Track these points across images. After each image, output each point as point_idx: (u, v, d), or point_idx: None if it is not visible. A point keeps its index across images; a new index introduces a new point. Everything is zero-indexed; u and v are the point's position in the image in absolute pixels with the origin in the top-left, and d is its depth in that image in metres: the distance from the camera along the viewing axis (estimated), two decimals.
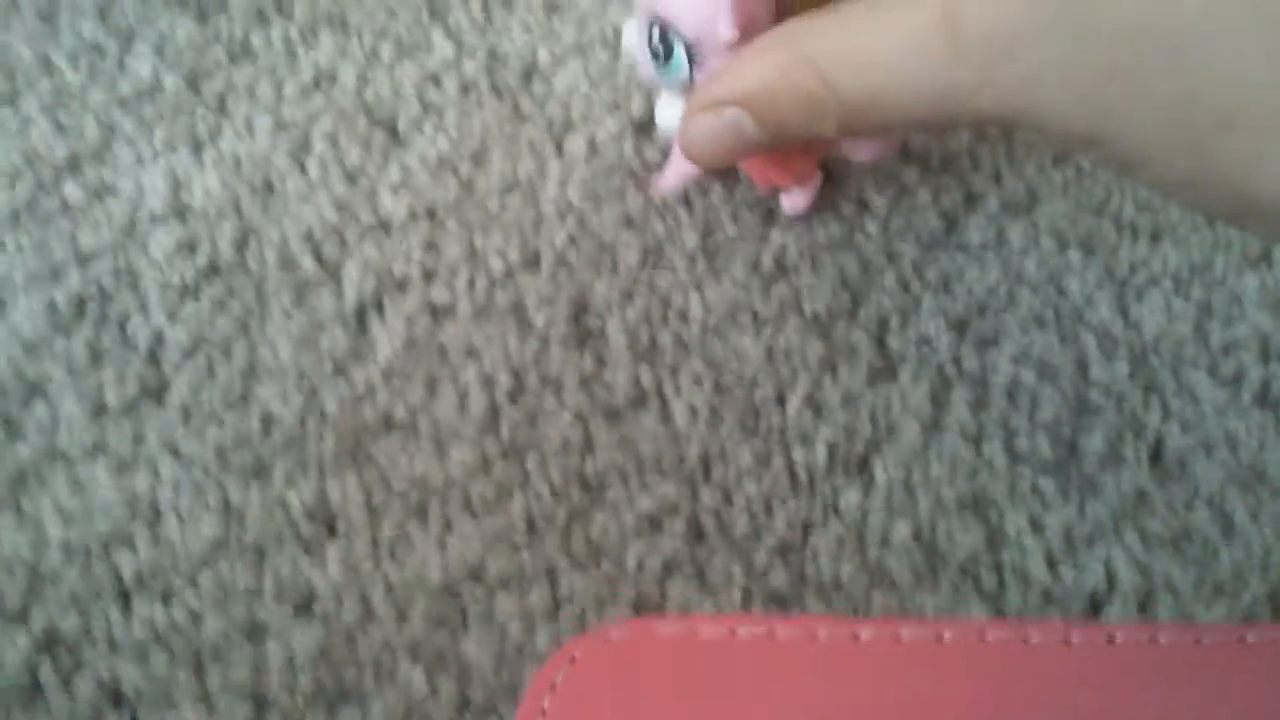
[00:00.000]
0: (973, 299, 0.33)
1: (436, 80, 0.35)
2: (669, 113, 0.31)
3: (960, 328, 0.32)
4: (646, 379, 0.31)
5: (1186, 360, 0.32)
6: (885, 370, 0.32)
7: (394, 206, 0.32)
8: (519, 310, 0.31)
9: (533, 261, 0.32)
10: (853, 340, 0.32)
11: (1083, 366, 0.32)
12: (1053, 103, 0.21)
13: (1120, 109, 0.20)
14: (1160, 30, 0.19)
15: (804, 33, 0.24)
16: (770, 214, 0.34)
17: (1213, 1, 0.18)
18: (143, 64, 0.35)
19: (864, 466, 0.30)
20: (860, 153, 0.31)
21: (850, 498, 0.29)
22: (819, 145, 0.31)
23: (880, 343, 0.32)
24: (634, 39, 0.29)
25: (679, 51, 0.27)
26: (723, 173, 0.34)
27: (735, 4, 0.25)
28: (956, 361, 0.32)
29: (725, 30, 0.25)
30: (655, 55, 0.28)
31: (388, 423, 0.30)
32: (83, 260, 0.31)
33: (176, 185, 0.32)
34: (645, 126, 0.35)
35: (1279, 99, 0.18)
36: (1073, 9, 0.20)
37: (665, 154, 0.34)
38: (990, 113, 0.22)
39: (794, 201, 0.33)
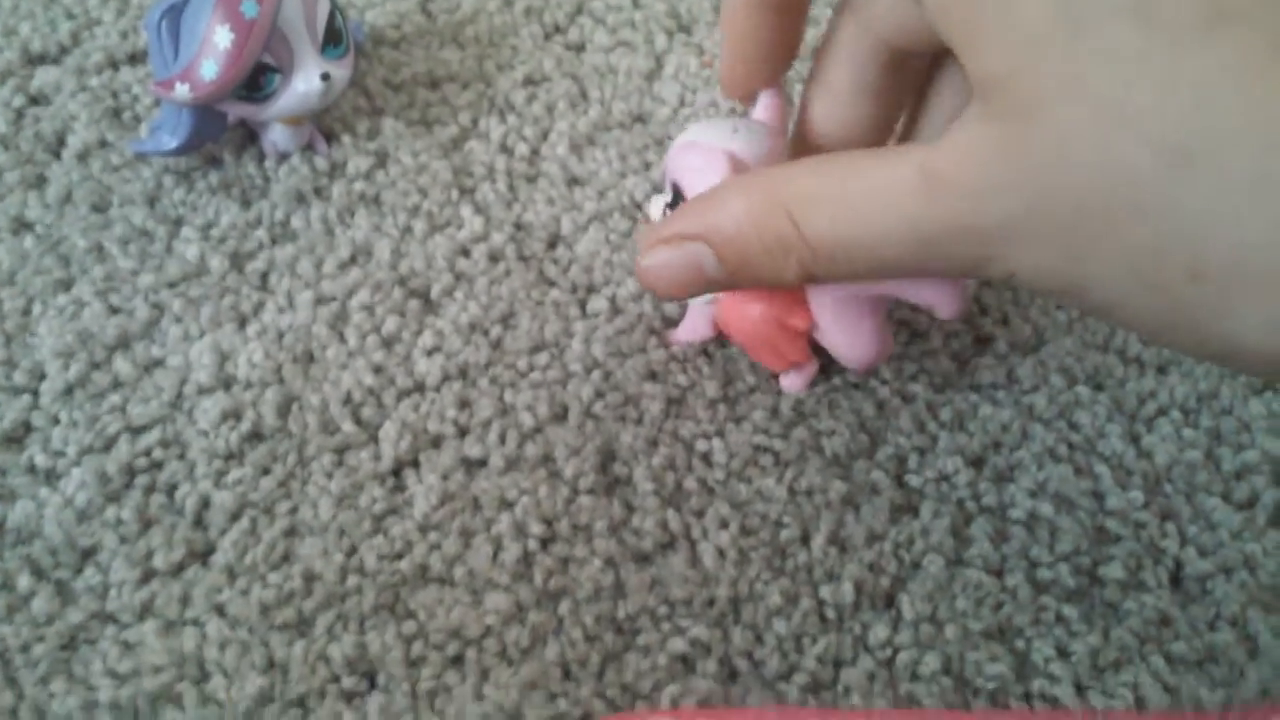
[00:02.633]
0: (987, 436, 0.34)
1: (466, 251, 0.37)
2: None
3: (977, 464, 0.33)
4: (674, 523, 0.31)
5: (1200, 486, 0.33)
6: (906, 507, 0.32)
7: (428, 368, 0.34)
8: (549, 461, 0.33)
9: (561, 415, 0.34)
10: (873, 479, 0.33)
11: (1098, 497, 0.33)
12: (1025, 250, 0.21)
13: (1091, 257, 0.20)
14: (1124, 190, 0.19)
15: (781, 177, 0.24)
16: None
17: (1170, 165, 0.18)
18: (190, 247, 0.36)
19: (891, 602, 0.31)
20: (943, 309, 0.30)
21: (879, 633, 0.30)
22: (887, 301, 0.31)
23: (900, 481, 0.33)
24: (658, 211, 0.31)
25: None
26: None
27: (731, 171, 0.27)
28: (975, 497, 0.33)
29: None
30: None
31: (424, 575, 0.31)
32: (133, 431, 0.33)
33: (222, 358, 0.34)
34: None
35: (1242, 254, 0.18)
36: (1043, 163, 0.20)
37: (683, 309, 0.36)
38: (963, 260, 0.22)
39: (791, 382, 0.34)
